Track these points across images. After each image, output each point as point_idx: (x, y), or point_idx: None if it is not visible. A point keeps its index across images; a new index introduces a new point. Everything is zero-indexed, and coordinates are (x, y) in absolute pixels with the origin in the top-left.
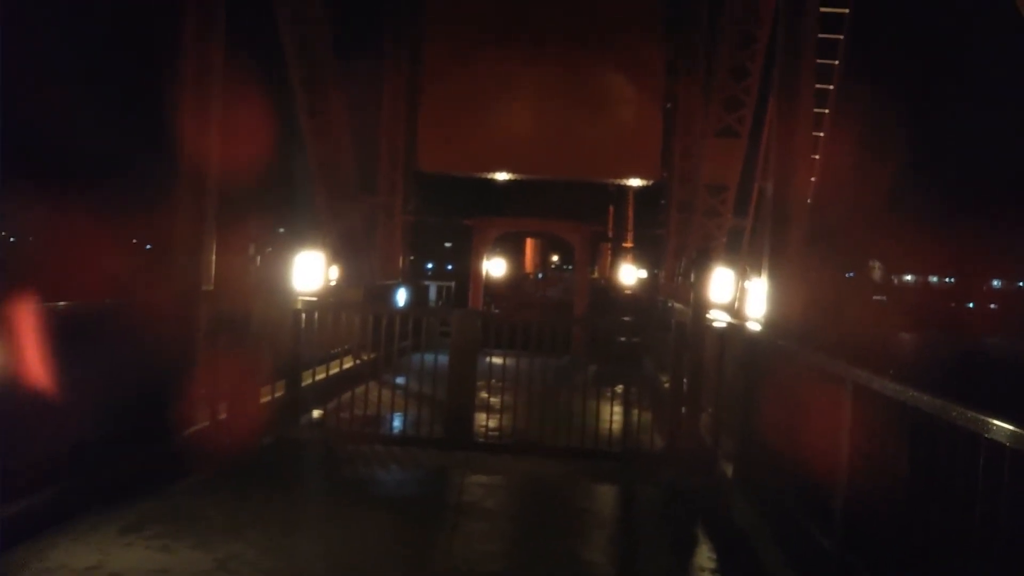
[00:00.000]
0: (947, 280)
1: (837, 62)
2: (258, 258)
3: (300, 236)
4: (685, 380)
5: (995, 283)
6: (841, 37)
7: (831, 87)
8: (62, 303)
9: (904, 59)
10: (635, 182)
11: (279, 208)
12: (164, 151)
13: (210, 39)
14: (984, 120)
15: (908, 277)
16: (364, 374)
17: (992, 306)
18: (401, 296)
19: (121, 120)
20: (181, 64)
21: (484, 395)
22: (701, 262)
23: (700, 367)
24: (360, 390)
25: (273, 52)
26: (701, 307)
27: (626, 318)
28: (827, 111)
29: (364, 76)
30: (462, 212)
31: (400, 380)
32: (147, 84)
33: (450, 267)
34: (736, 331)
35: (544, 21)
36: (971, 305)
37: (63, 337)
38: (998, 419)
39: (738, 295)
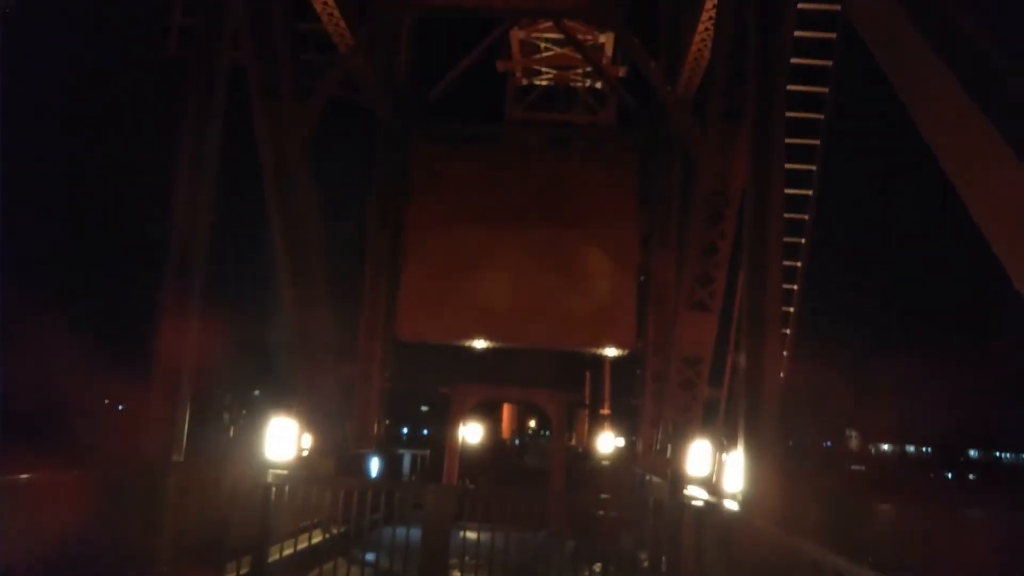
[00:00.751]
0: (924, 449)
1: (804, 240)
2: (231, 428)
3: (275, 401)
4: (664, 559)
5: (972, 453)
6: (807, 217)
7: (798, 264)
8: (22, 476)
9: (868, 232)
10: (611, 351)
11: (256, 372)
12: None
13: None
14: (962, 281)
15: (885, 446)
16: (333, 549)
17: (971, 476)
18: (374, 466)
19: (96, 291)
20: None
21: (457, 574)
22: (677, 437)
23: (678, 546)
24: (328, 567)
25: (260, 225)
26: (679, 484)
27: (604, 495)
28: (795, 287)
29: (347, 246)
30: (439, 379)
31: (370, 557)
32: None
33: (426, 431)
34: (714, 510)
35: (523, 197)
36: (950, 475)
37: (21, 509)
38: None
39: (716, 468)
